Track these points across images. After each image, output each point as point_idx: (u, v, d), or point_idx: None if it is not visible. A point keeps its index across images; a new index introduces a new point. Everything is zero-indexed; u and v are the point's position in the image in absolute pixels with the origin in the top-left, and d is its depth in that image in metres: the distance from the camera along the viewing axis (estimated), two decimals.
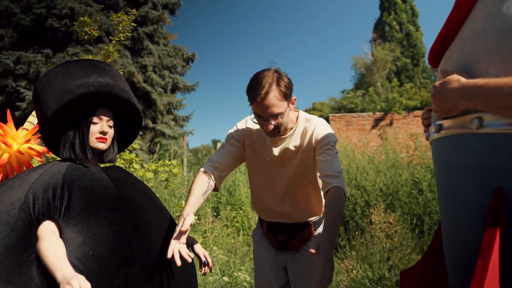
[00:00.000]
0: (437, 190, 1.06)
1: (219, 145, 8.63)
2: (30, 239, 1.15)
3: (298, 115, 1.71)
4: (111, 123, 1.42)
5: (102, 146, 1.38)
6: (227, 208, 4.99)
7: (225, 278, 3.08)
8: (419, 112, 12.95)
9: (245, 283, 3.06)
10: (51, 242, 1.13)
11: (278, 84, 1.50)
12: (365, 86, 20.97)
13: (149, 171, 2.78)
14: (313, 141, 1.65)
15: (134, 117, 1.54)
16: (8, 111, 1.63)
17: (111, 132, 1.42)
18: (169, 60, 13.20)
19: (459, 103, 0.85)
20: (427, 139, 1.15)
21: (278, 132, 1.59)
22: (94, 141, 1.37)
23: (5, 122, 1.59)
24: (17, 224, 1.13)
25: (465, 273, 0.88)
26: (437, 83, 0.92)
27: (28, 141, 1.56)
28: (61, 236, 1.18)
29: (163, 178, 2.72)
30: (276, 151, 1.69)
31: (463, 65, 0.89)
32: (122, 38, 2.41)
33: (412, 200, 4.91)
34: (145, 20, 12.34)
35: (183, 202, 2.57)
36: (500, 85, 0.72)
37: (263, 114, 1.52)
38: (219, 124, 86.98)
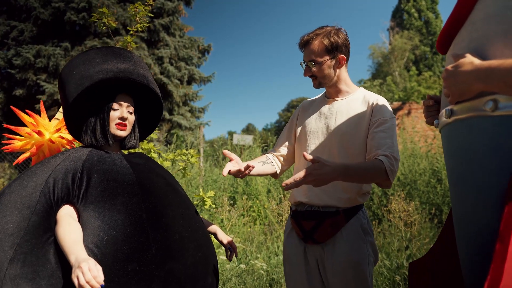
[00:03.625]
0: (448, 175, 1.05)
1: (235, 136, 8.60)
2: (50, 222, 1.18)
3: (359, 88, 1.73)
4: (131, 109, 1.43)
5: (121, 133, 1.40)
6: (243, 198, 5.01)
7: (242, 266, 3.10)
8: None
9: (261, 271, 3.09)
10: (68, 225, 1.15)
11: (325, 36, 1.60)
12: (383, 76, 20.64)
13: (166, 160, 2.81)
14: (371, 111, 1.61)
15: (156, 104, 1.55)
16: (42, 103, 1.69)
17: (131, 118, 1.43)
18: (185, 52, 13.21)
19: (473, 85, 0.84)
20: (436, 126, 1.13)
21: (319, 84, 1.67)
22: (113, 128, 1.38)
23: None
24: (37, 207, 1.17)
25: (478, 253, 0.88)
26: (449, 67, 0.92)
27: (58, 130, 1.60)
28: (79, 221, 1.20)
29: (180, 167, 2.75)
30: (328, 108, 1.71)
31: (476, 48, 0.88)
32: (139, 29, 2.44)
33: (431, 189, 4.84)
34: (161, 12, 12.35)
35: (201, 191, 2.60)
36: None
37: (304, 58, 1.66)
38: (235, 115, 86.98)
